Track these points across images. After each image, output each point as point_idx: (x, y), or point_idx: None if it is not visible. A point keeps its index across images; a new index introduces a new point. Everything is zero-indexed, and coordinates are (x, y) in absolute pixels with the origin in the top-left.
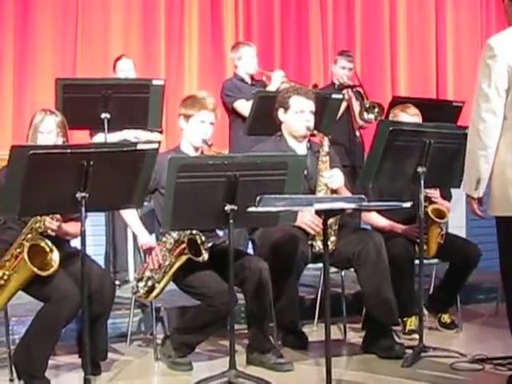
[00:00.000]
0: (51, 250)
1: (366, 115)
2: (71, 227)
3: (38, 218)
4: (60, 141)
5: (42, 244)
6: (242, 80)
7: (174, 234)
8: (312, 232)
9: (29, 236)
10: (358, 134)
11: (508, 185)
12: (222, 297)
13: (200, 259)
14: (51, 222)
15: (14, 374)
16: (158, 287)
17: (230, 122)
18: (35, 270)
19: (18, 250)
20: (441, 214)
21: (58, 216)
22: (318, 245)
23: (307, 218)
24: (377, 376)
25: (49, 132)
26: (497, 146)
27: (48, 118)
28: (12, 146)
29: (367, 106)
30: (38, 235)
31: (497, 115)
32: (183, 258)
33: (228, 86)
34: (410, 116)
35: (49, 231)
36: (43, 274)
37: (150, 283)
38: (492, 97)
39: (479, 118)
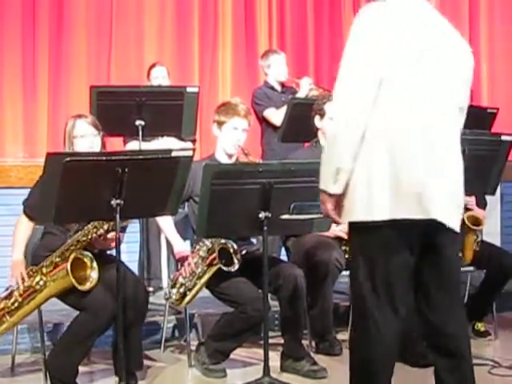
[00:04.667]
0: (92, 268)
1: None
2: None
3: (87, 231)
4: (98, 140)
5: (86, 259)
6: (272, 88)
7: (207, 242)
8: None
9: (72, 248)
10: None
11: None
12: (255, 304)
13: (231, 269)
14: (97, 239)
15: (49, 380)
16: (190, 294)
17: (261, 129)
18: (74, 282)
19: (58, 259)
20: (477, 221)
21: (108, 236)
22: None
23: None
24: None
25: (83, 135)
26: None
27: (79, 121)
28: (47, 154)
29: None
30: (83, 249)
31: None
32: (213, 269)
33: (258, 94)
34: None
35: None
36: (80, 287)
37: (182, 290)
38: None
39: None
